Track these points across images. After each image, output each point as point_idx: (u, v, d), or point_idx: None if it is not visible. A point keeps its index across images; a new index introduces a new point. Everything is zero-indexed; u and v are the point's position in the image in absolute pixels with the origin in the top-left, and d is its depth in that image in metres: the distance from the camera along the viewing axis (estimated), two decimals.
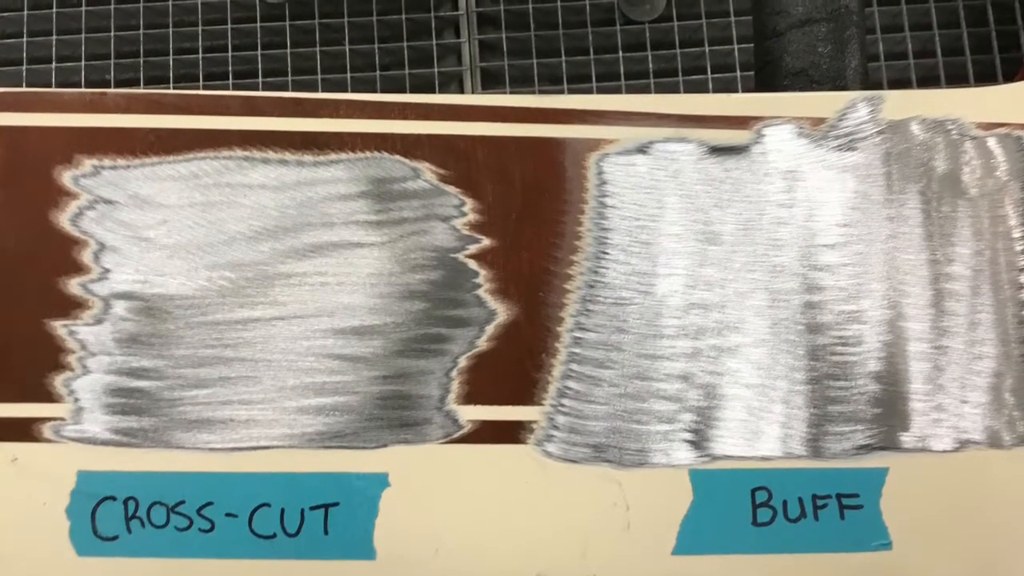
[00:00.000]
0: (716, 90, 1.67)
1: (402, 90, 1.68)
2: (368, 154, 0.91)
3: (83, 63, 1.70)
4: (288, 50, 1.70)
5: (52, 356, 0.88)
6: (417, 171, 0.91)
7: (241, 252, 0.89)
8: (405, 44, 1.69)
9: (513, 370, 0.89)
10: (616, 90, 1.66)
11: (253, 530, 0.87)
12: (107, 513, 0.87)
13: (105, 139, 0.90)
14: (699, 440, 0.89)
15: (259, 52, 1.70)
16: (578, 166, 0.91)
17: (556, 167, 0.91)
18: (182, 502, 0.87)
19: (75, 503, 0.87)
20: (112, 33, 1.71)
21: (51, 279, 0.88)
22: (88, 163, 0.89)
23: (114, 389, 0.88)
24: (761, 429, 0.89)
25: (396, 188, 0.91)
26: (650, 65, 1.66)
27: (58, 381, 0.87)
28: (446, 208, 0.91)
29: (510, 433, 0.89)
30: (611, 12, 1.71)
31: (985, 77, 1.63)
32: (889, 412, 0.90)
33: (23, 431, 0.87)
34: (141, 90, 1.56)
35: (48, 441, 0.87)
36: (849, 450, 0.89)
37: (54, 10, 1.71)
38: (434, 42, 1.70)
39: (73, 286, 0.88)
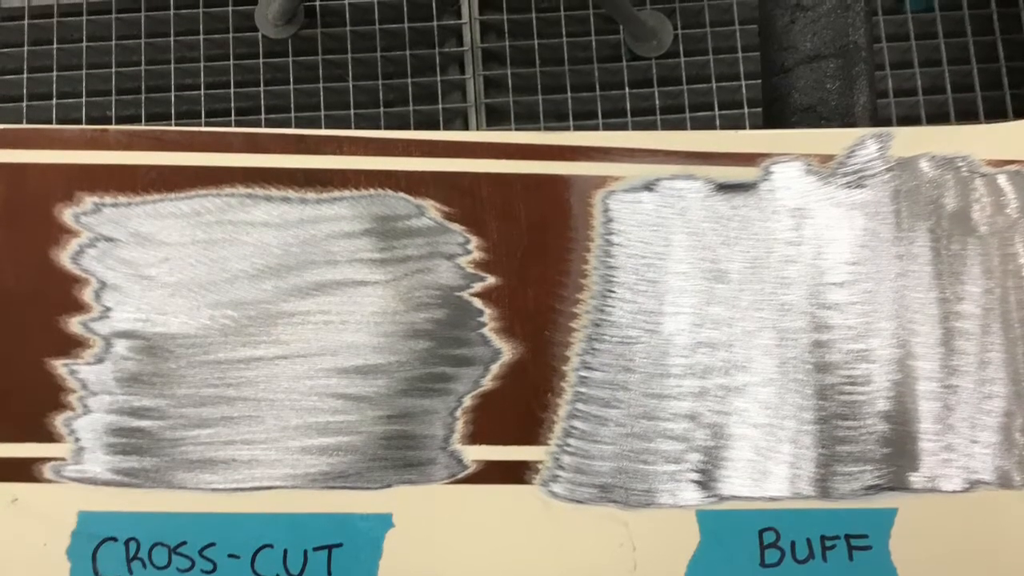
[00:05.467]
0: (723, 126, 1.67)
1: (406, 127, 1.69)
2: (372, 191, 0.90)
3: (84, 99, 1.71)
4: (291, 86, 1.71)
5: (53, 395, 0.87)
6: (421, 208, 0.90)
7: (244, 290, 0.89)
8: (409, 80, 1.69)
9: (518, 410, 0.89)
10: (622, 126, 1.67)
11: (256, 571, 0.87)
12: (108, 554, 0.86)
13: (106, 176, 0.89)
14: (706, 480, 0.88)
15: (262, 88, 1.71)
16: (584, 204, 0.91)
17: (562, 204, 0.91)
18: (184, 543, 0.87)
19: (76, 544, 0.86)
20: (113, 69, 1.72)
21: (52, 318, 0.87)
22: (89, 200, 0.89)
23: (115, 429, 0.87)
24: (769, 469, 0.89)
25: (400, 226, 0.90)
26: (657, 101, 1.67)
27: (59, 421, 0.87)
28: (450, 246, 0.90)
29: (515, 473, 0.88)
30: (617, 48, 1.71)
31: (995, 114, 1.64)
32: (898, 452, 0.89)
33: (23, 471, 0.86)
34: (142, 127, 1.56)
35: (49, 481, 0.86)
36: (858, 490, 0.89)
37: (55, 46, 1.72)
38: (439, 78, 1.71)
39: (74, 325, 0.87)
